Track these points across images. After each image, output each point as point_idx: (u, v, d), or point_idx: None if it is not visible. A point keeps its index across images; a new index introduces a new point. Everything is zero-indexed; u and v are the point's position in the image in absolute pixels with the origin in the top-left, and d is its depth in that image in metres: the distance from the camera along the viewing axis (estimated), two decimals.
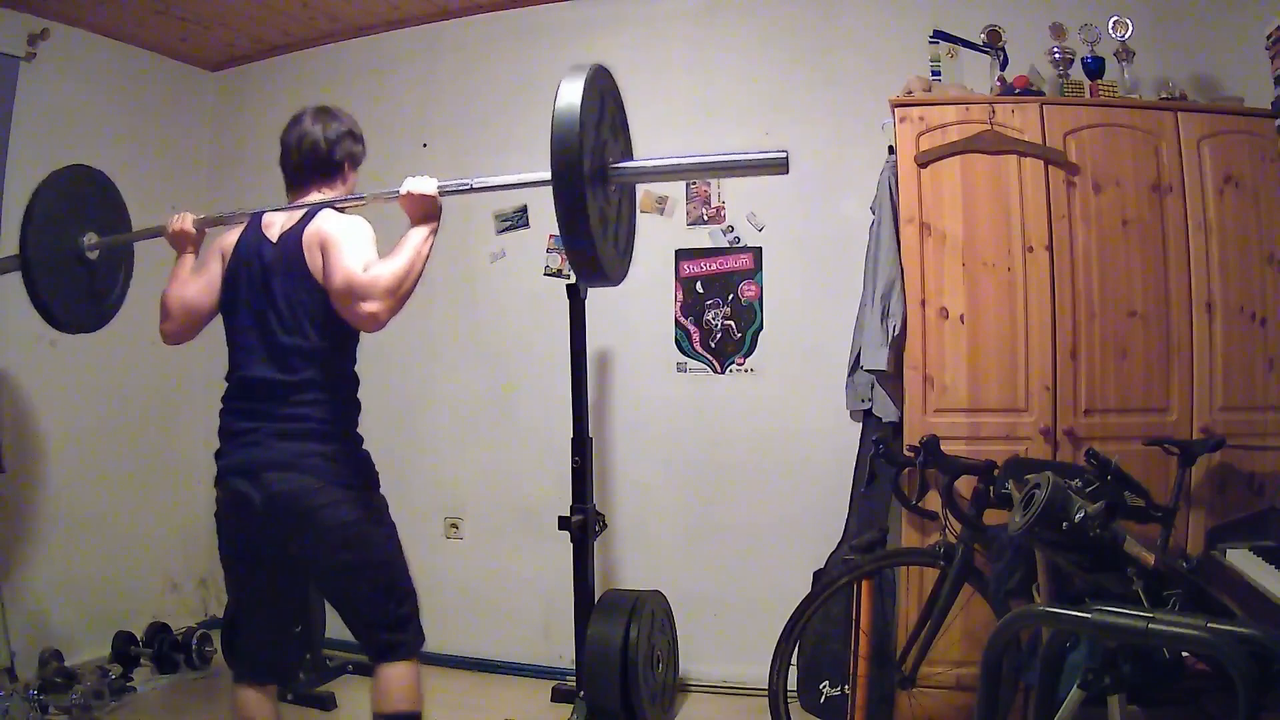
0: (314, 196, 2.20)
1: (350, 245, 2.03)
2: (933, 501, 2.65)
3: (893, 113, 2.90)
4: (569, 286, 3.08)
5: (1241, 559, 2.08)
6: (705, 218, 3.53)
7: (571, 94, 1.89)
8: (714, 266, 3.50)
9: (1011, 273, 2.80)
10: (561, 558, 3.12)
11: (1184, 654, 1.59)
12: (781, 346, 3.45)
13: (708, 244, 3.52)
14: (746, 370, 3.49)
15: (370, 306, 1.97)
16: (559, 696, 3.32)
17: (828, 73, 3.41)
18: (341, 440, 2.13)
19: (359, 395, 2.21)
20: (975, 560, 2.45)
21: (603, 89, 2.00)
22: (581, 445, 3.07)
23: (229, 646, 3.36)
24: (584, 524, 3.01)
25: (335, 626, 3.74)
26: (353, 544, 2.07)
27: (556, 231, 3.82)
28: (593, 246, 1.86)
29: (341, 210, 2.17)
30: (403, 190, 2.11)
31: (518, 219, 3.75)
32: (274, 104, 4.20)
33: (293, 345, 2.08)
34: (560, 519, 3.03)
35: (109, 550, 3.75)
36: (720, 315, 3.51)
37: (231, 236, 2.25)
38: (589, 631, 2.97)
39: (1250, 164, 2.78)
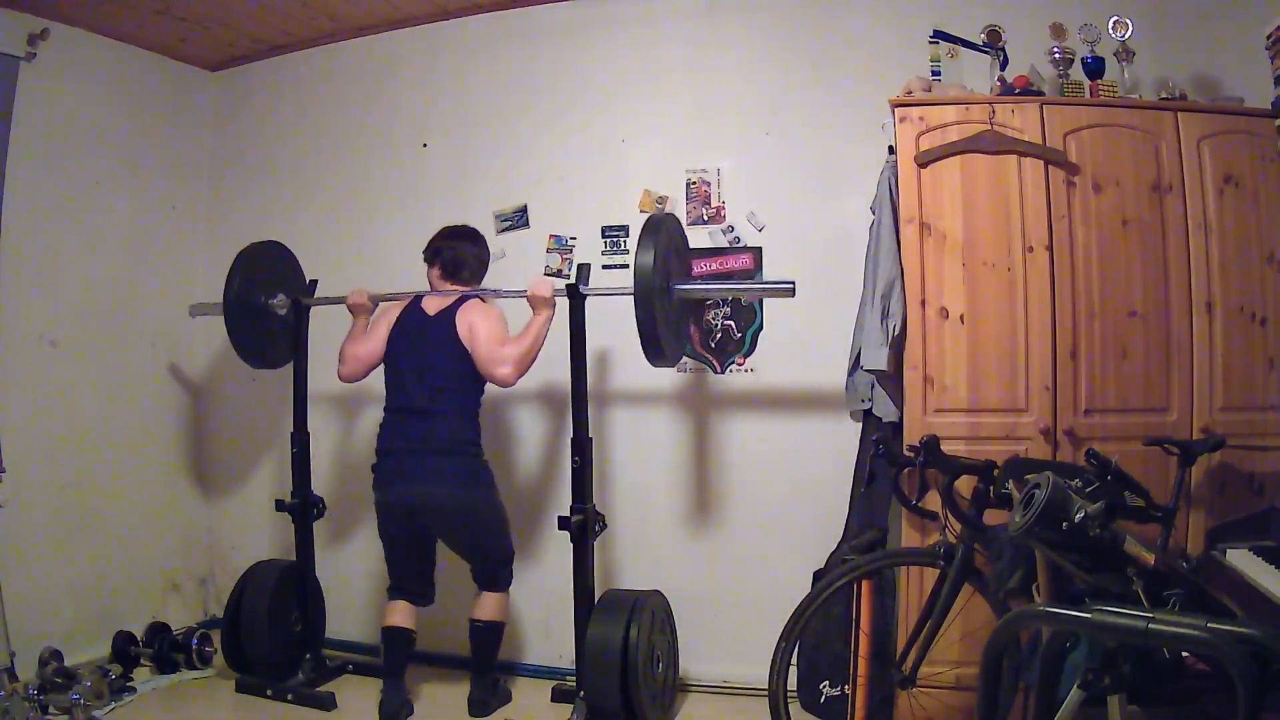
0: (458, 287, 3.21)
1: (492, 329, 3.05)
2: (933, 501, 2.64)
3: (893, 113, 2.90)
4: (569, 286, 3.08)
5: (1241, 559, 2.08)
6: (705, 217, 3.53)
7: (647, 250, 2.75)
8: (714, 266, 3.50)
9: (1011, 273, 2.80)
10: (561, 558, 3.12)
11: (1184, 654, 1.59)
12: (781, 346, 3.45)
13: (708, 244, 3.52)
14: (746, 370, 3.48)
15: (504, 370, 3.00)
16: (559, 696, 3.32)
17: (828, 73, 3.41)
18: (472, 451, 3.12)
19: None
20: (975, 560, 2.45)
21: (670, 230, 2.96)
22: (581, 445, 3.06)
23: (228, 646, 3.40)
24: (584, 524, 3.01)
25: (336, 627, 3.76)
26: (477, 521, 3.13)
27: (556, 231, 3.88)
28: (659, 339, 2.78)
29: (483, 299, 3.20)
30: (528, 291, 3.08)
31: (518, 219, 3.75)
32: (274, 104, 4.22)
33: (443, 386, 3.05)
34: (560, 519, 3.03)
35: (109, 550, 3.75)
36: (720, 315, 3.51)
37: (394, 311, 3.21)
38: (589, 631, 2.97)
39: (1250, 164, 2.78)
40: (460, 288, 3.21)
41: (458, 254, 3.23)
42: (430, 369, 3.07)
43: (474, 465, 3.12)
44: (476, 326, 3.05)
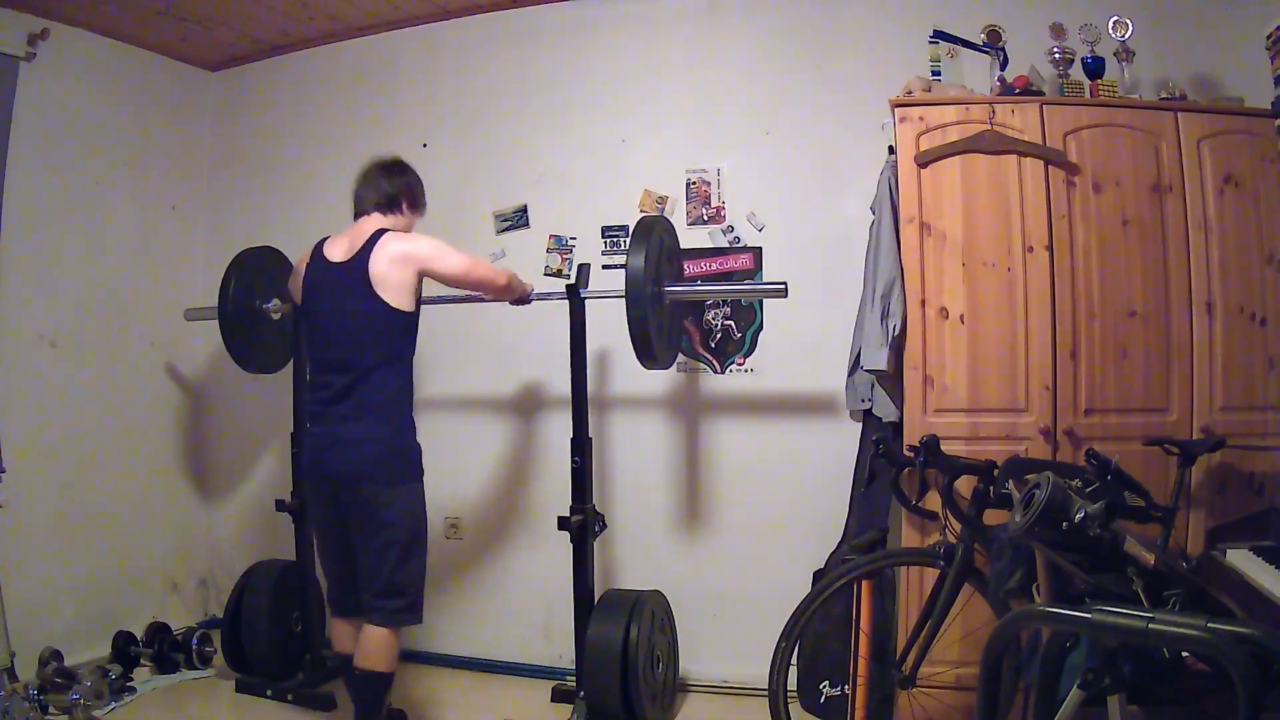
0: (375, 221, 2.68)
1: (433, 240, 2.67)
2: (933, 501, 2.65)
3: (893, 113, 2.90)
4: (568, 286, 3.08)
5: (1241, 559, 2.08)
6: (705, 218, 3.53)
7: (638, 253, 2.73)
8: (714, 266, 3.50)
9: (1011, 273, 2.80)
10: (561, 558, 3.11)
11: (1184, 654, 1.59)
12: (781, 346, 3.45)
13: (708, 244, 3.52)
14: (746, 370, 3.48)
15: (455, 259, 2.62)
16: (559, 696, 3.32)
17: (828, 72, 3.41)
18: (398, 413, 2.61)
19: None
20: (975, 560, 2.45)
21: (662, 232, 2.91)
22: (581, 445, 3.06)
23: (228, 646, 3.40)
24: (584, 524, 3.01)
25: None
26: (391, 506, 2.51)
27: (557, 231, 3.88)
28: (650, 342, 2.76)
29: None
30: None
31: (518, 219, 3.75)
32: (274, 104, 4.22)
33: (360, 341, 2.57)
34: (560, 519, 3.03)
35: (109, 550, 3.75)
36: (720, 315, 3.51)
37: (306, 257, 2.75)
38: (589, 631, 2.97)
39: (1250, 164, 2.78)
40: (377, 223, 2.66)
41: (378, 191, 2.71)
42: (342, 324, 2.57)
43: (401, 431, 2.59)
44: (413, 250, 2.57)
